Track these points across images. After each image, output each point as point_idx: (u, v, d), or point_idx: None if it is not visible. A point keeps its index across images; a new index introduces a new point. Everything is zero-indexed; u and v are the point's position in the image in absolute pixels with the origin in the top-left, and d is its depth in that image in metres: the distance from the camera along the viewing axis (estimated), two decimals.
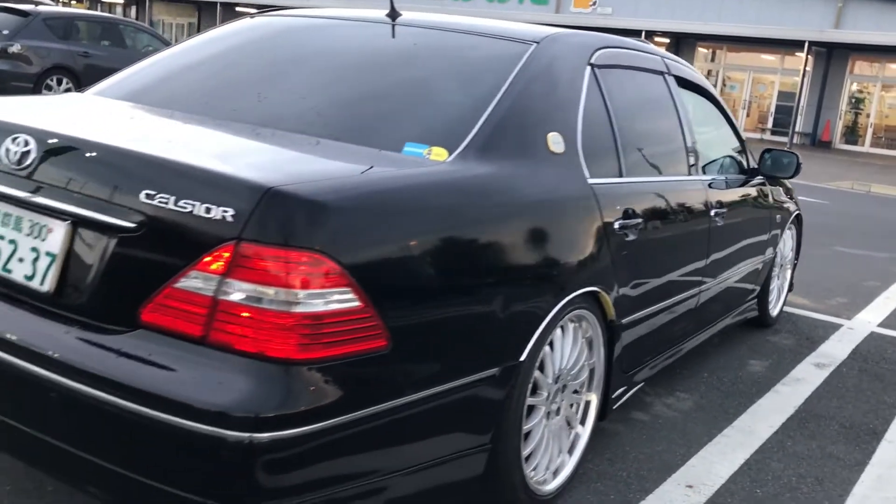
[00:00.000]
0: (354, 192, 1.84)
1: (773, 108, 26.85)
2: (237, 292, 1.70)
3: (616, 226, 2.68)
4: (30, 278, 1.97)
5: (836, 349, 4.69)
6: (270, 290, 1.69)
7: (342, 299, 1.74)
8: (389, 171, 2.01)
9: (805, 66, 23.72)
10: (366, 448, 1.86)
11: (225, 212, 1.69)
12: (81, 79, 11.93)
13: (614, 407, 2.96)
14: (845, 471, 3.14)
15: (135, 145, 1.95)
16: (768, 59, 27.02)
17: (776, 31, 23.60)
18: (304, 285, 1.69)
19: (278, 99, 2.52)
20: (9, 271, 2.01)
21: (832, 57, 24.80)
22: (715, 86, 16.86)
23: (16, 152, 1.97)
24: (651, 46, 3.50)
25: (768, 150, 4.19)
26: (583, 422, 2.79)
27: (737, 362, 4.28)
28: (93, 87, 2.84)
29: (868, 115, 25.78)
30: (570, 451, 2.73)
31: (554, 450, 2.60)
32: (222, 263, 1.70)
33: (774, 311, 4.99)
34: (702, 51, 27.93)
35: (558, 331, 2.45)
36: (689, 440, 3.25)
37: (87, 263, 1.88)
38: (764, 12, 24.79)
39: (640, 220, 2.82)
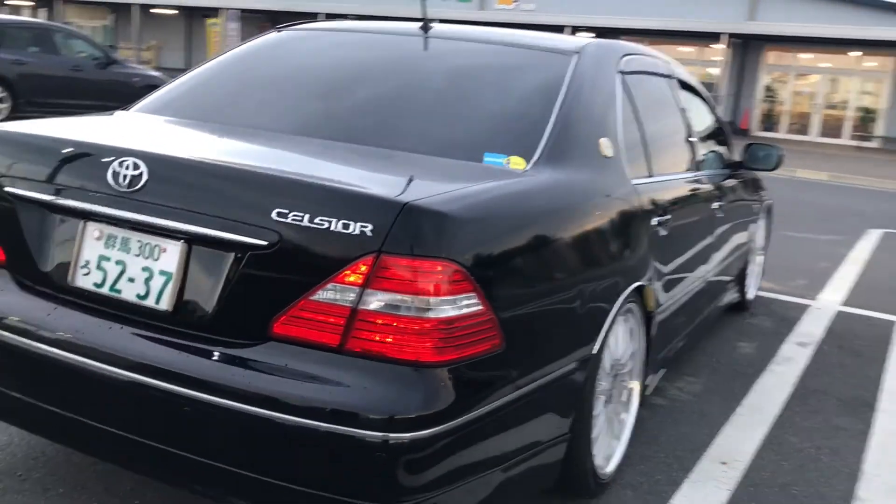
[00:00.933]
0: (472, 202, 1.95)
1: None
2: (376, 301, 1.80)
3: (653, 222, 2.86)
4: (143, 297, 2.02)
5: (812, 328, 5.01)
6: (408, 298, 1.79)
7: (469, 304, 1.85)
8: (493, 182, 2.13)
9: (724, 57, 24.57)
10: (486, 441, 1.99)
11: (364, 227, 1.79)
12: (15, 87, 11.59)
13: (647, 393, 3.14)
14: (854, 440, 3.40)
15: (257, 165, 2.03)
16: (687, 51, 27.84)
17: (695, 24, 24.36)
18: (438, 292, 1.80)
19: (350, 114, 2.60)
20: (118, 291, 2.05)
21: (748, 48, 25.77)
22: None
23: (125, 175, 2.01)
24: (656, 51, 3.69)
25: (751, 145, 4.44)
26: (626, 409, 2.96)
27: (728, 345, 4.53)
28: (140, 105, 2.85)
29: (783, 103, 26.90)
30: (618, 437, 2.89)
31: (608, 436, 2.76)
32: (360, 275, 1.80)
33: (751, 295, 5.28)
34: None
35: (614, 323, 2.61)
36: (708, 420, 3.46)
37: (209, 280, 1.95)
38: (682, 6, 25.55)
39: (668, 217, 3.01)
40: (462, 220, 1.87)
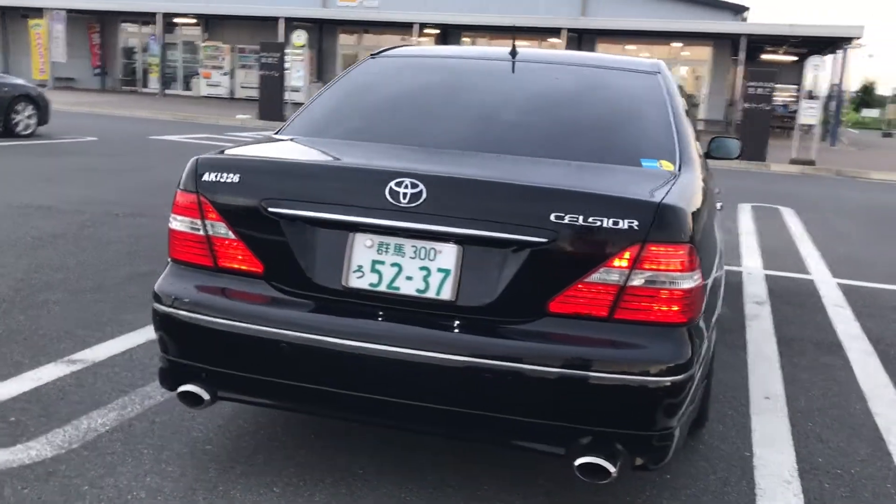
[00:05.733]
0: (686, 198, 2.52)
1: None
2: (639, 279, 2.34)
3: (716, 201, 3.54)
4: (423, 291, 2.45)
5: (756, 290, 5.94)
6: (663, 275, 2.34)
7: (697, 277, 2.43)
8: (676, 182, 2.67)
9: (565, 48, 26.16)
10: (697, 384, 2.57)
11: (630, 223, 2.32)
12: None
13: None
14: (843, 372, 4.27)
15: (531, 179, 2.51)
16: (526, 45, 29.31)
17: (535, 21, 25.76)
18: (683, 268, 2.37)
19: (520, 131, 3.04)
20: (396, 288, 2.47)
21: (583, 41, 27.52)
22: None
23: (405, 194, 2.42)
24: None
25: (714, 138, 5.25)
26: None
27: None
28: (298, 129, 3.16)
29: None
30: None
31: None
32: (627, 260, 2.33)
33: None
34: (466, 41, 29.71)
35: None
36: (733, 367, 4.21)
37: (486, 272, 2.41)
38: (521, 3, 26.92)
39: (717, 192, 3.70)
40: (688, 212, 2.45)
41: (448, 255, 2.44)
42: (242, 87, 31.11)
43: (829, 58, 22.99)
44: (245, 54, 30.78)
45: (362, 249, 2.50)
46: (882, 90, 72.26)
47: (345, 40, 31.45)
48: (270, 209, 2.54)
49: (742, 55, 23.51)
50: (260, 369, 2.56)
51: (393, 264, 2.48)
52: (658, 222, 2.34)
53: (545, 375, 2.34)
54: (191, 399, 2.64)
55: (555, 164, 2.79)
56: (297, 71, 21.55)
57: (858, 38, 22.56)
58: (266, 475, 2.78)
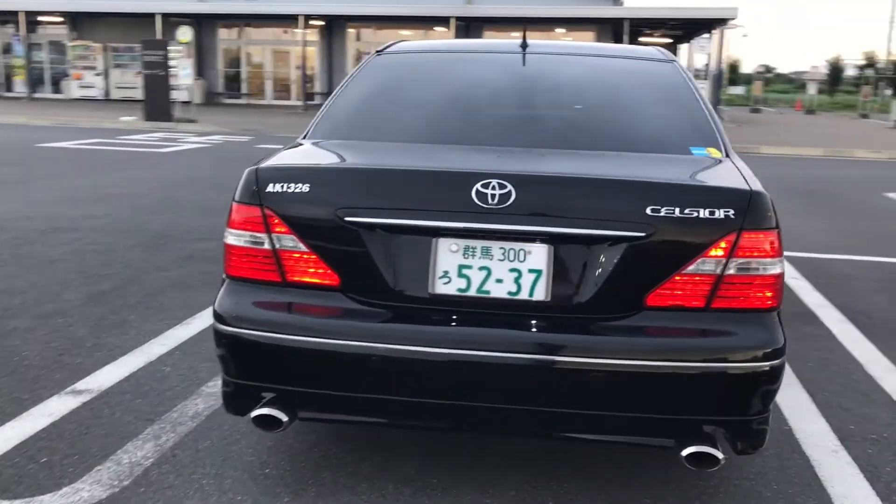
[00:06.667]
0: (759, 183, 2.55)
1: None
2: (735, 268, 2.36)
3: None
4: (515, 294, 2.39)
5: None
6: (757, 262, 2.36)
7: (783, 262, 2.47)
8: (736, 168, 2.68)
9: (454, 37, 26.25)
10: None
11: (727, 212, 2.33)
12: None
13: None
14: (830, 342, 4.47)
15: (616, 174, 2.47)
16: (408, 34, 29.27)
17: (422, 10, 25.73)
18: (774, 254, 2.40)
19: (570, 125, 3.00)
20: (486, 292, 2.40)
21: (470, 29, 27.68)
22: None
23: (493, 195, 2.35)
24: None
25: None
26: None
27: None
28: (326, 132, 3.00)
29: None
30: None
31: None
32: (724, 249, 2.34)
33: None
34: (351, 31, 29.37)
35: None
36: None
37: (580, 271, 2.37)
38: None
39: None
40: (770, 197, 2.49)
41: (539, 255, 2.40)
42: (118, 88, 29.74)
43: (705, 37, 23.99)
44: (119, 53, 29.41)
45: (447, 254, 2.42)
46: (745, 68, 76.14)
47: (225, 35, 30.51)
48: (347, 218, 2.42)
49: (626, 38, 24.24)
50: (347, 385, 2.45)
51: (481, 268, 2.41)
52: (752, 210, 2.37)
53: (649, 370, 2.33)
54: (268, 422, 2.49)
55: (621, 157, 2.77)
56: (184, 69, 20.75)
57: (733, 18, 23.65)
58: (341, 494, 2.67)
